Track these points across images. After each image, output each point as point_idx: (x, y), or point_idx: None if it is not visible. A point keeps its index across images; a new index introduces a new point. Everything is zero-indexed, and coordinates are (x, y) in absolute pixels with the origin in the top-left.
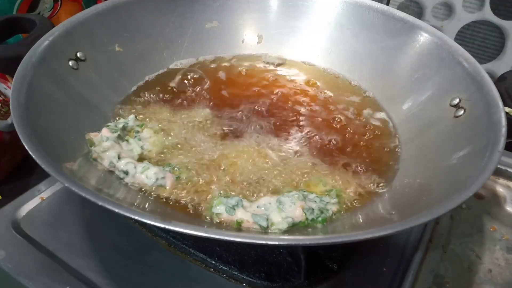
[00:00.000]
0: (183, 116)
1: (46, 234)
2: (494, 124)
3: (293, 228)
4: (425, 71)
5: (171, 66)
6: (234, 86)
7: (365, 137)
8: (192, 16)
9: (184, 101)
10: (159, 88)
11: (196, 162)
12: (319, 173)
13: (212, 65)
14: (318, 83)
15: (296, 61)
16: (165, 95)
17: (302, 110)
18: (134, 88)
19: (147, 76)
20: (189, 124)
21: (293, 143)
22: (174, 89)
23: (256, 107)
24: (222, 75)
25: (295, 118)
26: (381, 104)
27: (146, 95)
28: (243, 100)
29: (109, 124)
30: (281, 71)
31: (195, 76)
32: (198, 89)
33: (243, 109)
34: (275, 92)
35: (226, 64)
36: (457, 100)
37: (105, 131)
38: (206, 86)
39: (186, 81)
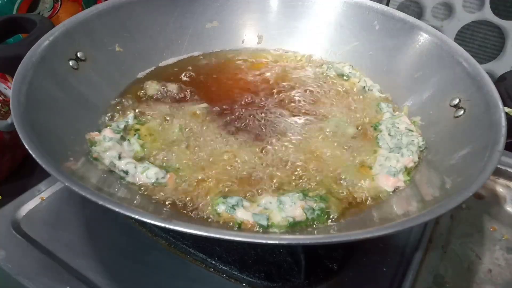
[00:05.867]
0: (182, 113)
1: (46, 234)
2: (494, 124)
3: (293, 227)
4: (425, 71)
5: (171, 65)
6: (232, 81)
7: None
8: (192, 16)
9: (183, 98)
10: (158, 86)
11: (196, 160)
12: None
13: (209, 61)
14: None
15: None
16: (165, 93)
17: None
18: (133, 87)
19: (147, 76)
20: (189, 121)
21: (295, 137)
22: (173, 87)
23: (256, 102)
24: (219, 70)
25: (296, 112)
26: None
27: (146, 94)
28: (242, 94)
29: (111, 124)
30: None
31: (193, 73)
32: (196, 85)
33: (243, 103)
34: (275, 88)
35: (223, 59)
36: (457, 100)
37: (108, 132)
38: (204, 82)
39: (184, 78)
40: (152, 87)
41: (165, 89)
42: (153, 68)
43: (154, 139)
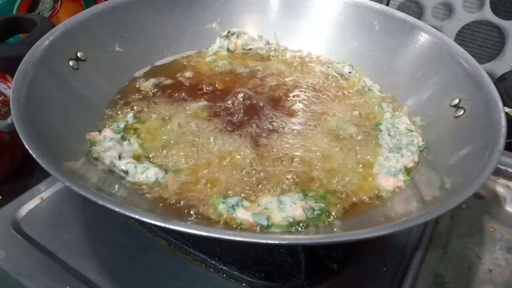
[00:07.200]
0: (182, 111)
1: (46, 234)
2: (494, 124)
3: (294, 227)
4: (425, 71)
5: (170, 64)
6: (231, 79)
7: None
8: (192, 16)
9: (183, 97)
10: (158, 86)
11: (196, 160)
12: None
13: (208, 60)
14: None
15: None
16: (164, 92)
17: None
18: (133, 86)
19: (146, 75)
20: (188, 119)
21: (295, 136)
22: (173, 86)
23: (255, 101)
24: (218, 69)
25: (296, 111)
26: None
27: (145, 93)
28: (242, 93)
29: (111, 124)
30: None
31: (192, 72)
32: (195, 84)
33: (243, 102)
34: (275, 88)
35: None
36: (457, 101)
37: (108, 132)
38: (203, 81)
39: (184, 77)
40: (152, 86)
41: (165, 88)
42: (153, 67)
43: (153, 138)
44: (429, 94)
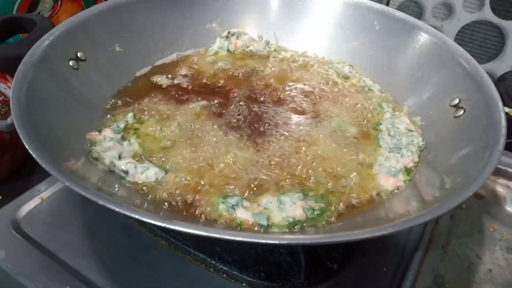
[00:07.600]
0: (181, 111)
1: (46, 234)
2: (494, 124)
3: (294, 227)
4: (425, 71)
5: (170, 64)
6: (232, 79)
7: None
8: (192, 16)
9: (183, 96)
10: (158, 86)
11: (196, 159)
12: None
13: (209, 60)
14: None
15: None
16: (164, 92)
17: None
18: (133, 87)
19: (146, 75)
20: (188, 119)
21: (296, 136)
22: (173, 85)
23: (255, 101)
24: (218, 68)
25: (296, 111)
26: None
27: (145, 93)
28: (242, 93)
29: (111, 124)
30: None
31: (192, 71)
32: (195, 83)
33: (243, 102)
34: (275, 87)
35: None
36: (457, 100)
37: (108, 132)
38: (203, 80)
39: (183, 77)
40: (152, 87)
41: (165, 88)
42: (152, 67)
43: (153, 138)
44: (429, 94)
